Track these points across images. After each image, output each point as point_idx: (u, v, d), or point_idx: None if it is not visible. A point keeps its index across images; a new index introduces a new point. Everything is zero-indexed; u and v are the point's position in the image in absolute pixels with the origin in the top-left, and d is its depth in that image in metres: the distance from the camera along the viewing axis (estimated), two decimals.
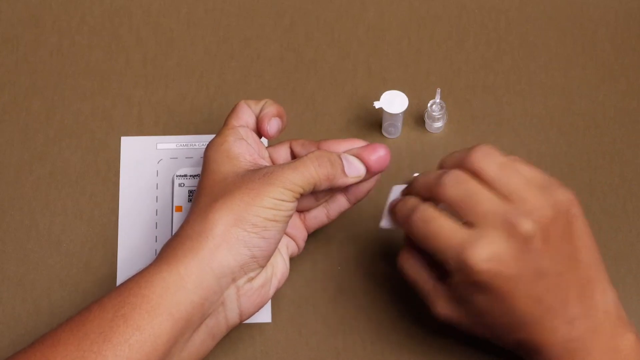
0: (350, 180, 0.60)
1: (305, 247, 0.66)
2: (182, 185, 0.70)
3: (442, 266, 0.57)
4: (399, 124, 0.71)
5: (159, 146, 0.72)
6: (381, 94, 0.69)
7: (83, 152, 0.72)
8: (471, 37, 0.75)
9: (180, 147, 0.72)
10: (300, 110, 0.74)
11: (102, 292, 0.66)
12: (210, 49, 0.75)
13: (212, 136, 0.68)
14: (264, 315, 0.66)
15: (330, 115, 0.73)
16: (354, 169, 0.60)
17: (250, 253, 0.57)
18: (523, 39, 0.75)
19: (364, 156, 0.60)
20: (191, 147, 0.72)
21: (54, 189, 0.70)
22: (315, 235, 0.67)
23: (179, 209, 0.69)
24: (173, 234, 0.61)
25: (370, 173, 0.61)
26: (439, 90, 0.70)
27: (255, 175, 0.58)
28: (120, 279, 0.67)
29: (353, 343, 0.66)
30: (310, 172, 0.58)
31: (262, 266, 0.59)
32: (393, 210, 0.60)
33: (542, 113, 0.73)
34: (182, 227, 0.58)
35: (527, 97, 0.74)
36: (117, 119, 0.73)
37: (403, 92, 0.69)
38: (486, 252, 0.54)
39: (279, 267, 0.61)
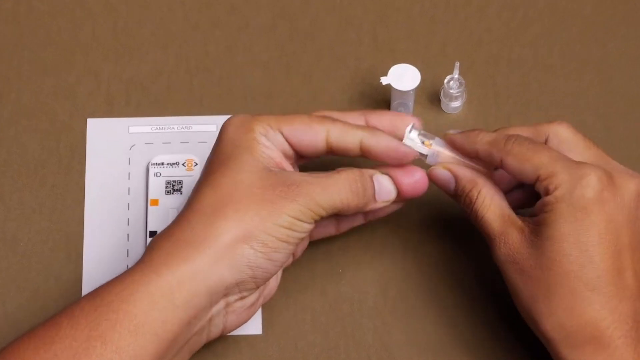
0: (378, 205, 0.61)
1: None
2: (159, 175, 0.69)
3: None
4: (410, 104, 0.71)
5: (132, 129, 0.72)
6: (389, 69, 0.68)
7: (43, 136, 0.71)
8: (494, 2, 0.75)
9: (156, 131, 0.71)
10: (296, 87, 0.73)
11: (65, 299, 0.66)
12: (190, 16, 0.75)
13: (193, 118, 0.72)
14: (254, 326, 0.66)
15: (330, 94, 0.73)
16: (385, 194, 0.60)
17: (251, 273, 0.57)
18: (554, 4, 0.75)
19: (397, 178, 0.60)
20: (169, 130, 0.71)
21: (9, 178, 0.70)
22: None
23: (155, 202, 0.68)
24: (165, 228, 0.59)
25: (401, 198, 0.61)
26: (457, 64, 0.69)
27: (277, 183, 0.57)
28: (86, 283, 0.67)
29: (357, 358, 0.65)
30: (340, 198, 0.58)
31: (259, 287, 0.59)
32: (459, 142, 0.61)
33: (577, 92, 0.73)
34: (179, 224, 0.57)
35: (559, 73, 0.73)
36: (82, 97, 0.72)
37: (415, 66, 0.69)
38: (600, 173, 0.57)
39: (270, 284, 0.61)
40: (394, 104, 0.71)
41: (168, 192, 0.69)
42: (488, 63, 0.74)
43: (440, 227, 0.69)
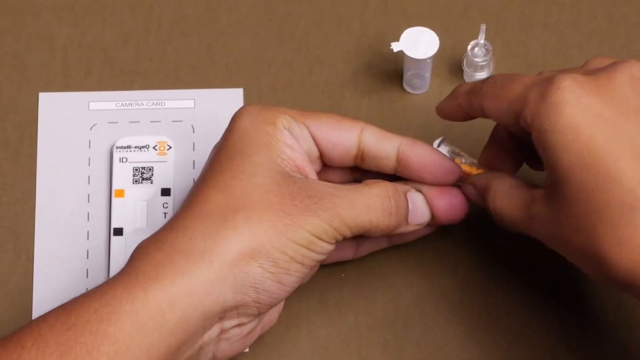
0: (409, 229, 0.60)
1: None
2: (125, 160, 0.69)
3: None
4: (427, 75, 0.70)
5: (92, 106, 0.71)
6: (401, 33, 0.68)
7: None
8: None
9: (122, 107, 0.71)
10: (290, 56, 0.72)
11: (13, 309, 0.66)
12: None
13: (167, 92, 0.71)
14: None
15: (330, 64, 0.72)
16: (419, 216, 0.60)
17: (255, 296, 0.56)
18: None
19: (432, 199, 0.61)
20: (137, 107, 0.71)
21: None
22: None
23: (120, 193, 0.68)
24: (154, 232, 0.58)
25: (435, 222, 0.61)
26: (482, 27, 0.68)
27: (297, 193, 0.57)
28: (37, 290, 0.66)
29: None
30: (369, 216, 0.58)
31: (261, 314, 0.58)
32: (445, 107, 0.62)
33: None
34: (174, 229, 0.56)
35: (605, 38, 0.73)
36: (33, 68, 0.72)
37: (432, 29, 0.68)
38: (574, 75, 0.55)
39: (272, 311, 0.60)
40: (407, 75, 0.70)
41: (136, 181, 0.68)
42: (520, 26, 0.73)
43: (464, 222, 0.67)
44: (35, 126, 0.70)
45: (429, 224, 0.61)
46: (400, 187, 0.60)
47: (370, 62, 0.72)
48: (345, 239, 0.58)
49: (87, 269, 0.66)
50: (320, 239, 0.57)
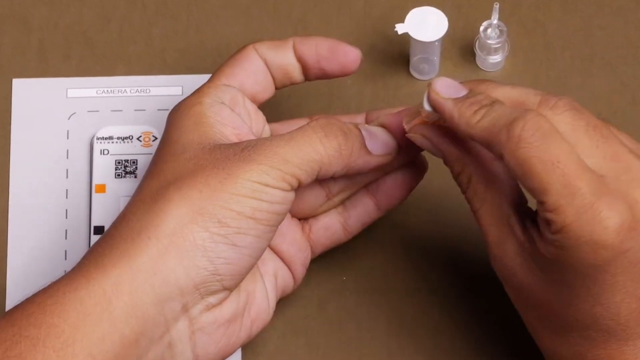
0: (375, 160, 0.59)
1: None
2: (106, 152, 0.68)
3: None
4: (436, 59, 0.70)
5: (71, 93, 0.71)
6: (407, 13, 0.67)
7: None
8: None
9: (103, 95, 0.71)
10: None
11: None
12: None
13: (152, 78, 0.71)
14: (231, 356, 0.63)
15: None
16: (380, 144, 0.59)
17: (211, 266, 0.55)
18: None
19: (392, 126, 0.60)
20: (120, 94, 0.71)
21: None
22: None
23: (101, 188, 0.68)
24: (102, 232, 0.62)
25: (405, 152, 0.60)
26: (496, 6, 0.68)
27: (229, 150, 0.57)
28: (10, 296, 0.67)
29: None
30: (313, 146, 0.57)
31: (229, 289, 0.57)
32: (448, 114, 0.57)
33: None
34: (115, 224, 0.57)
35: (631, 18, 0.73)
36: (6, 51, 0.72)
37: (440, 9, 0.68)
38: (622, 217, 0.54)
39: (256, 300, 0.59)
40: (413, 59, 0.70)
41: (118, 175, 0.68)
42: (537, 5, 0.73)
43: (475, 227, 0.65)
44: (8, 115, 0.70)
45: (402, 160, 0.60)
46: (349, 122, 0.60)
47: (374, 45, 0.71)
48: (302, 183, 0.56)
49: (65, 271, 0.64)
50: (267, 185, 0.55)
